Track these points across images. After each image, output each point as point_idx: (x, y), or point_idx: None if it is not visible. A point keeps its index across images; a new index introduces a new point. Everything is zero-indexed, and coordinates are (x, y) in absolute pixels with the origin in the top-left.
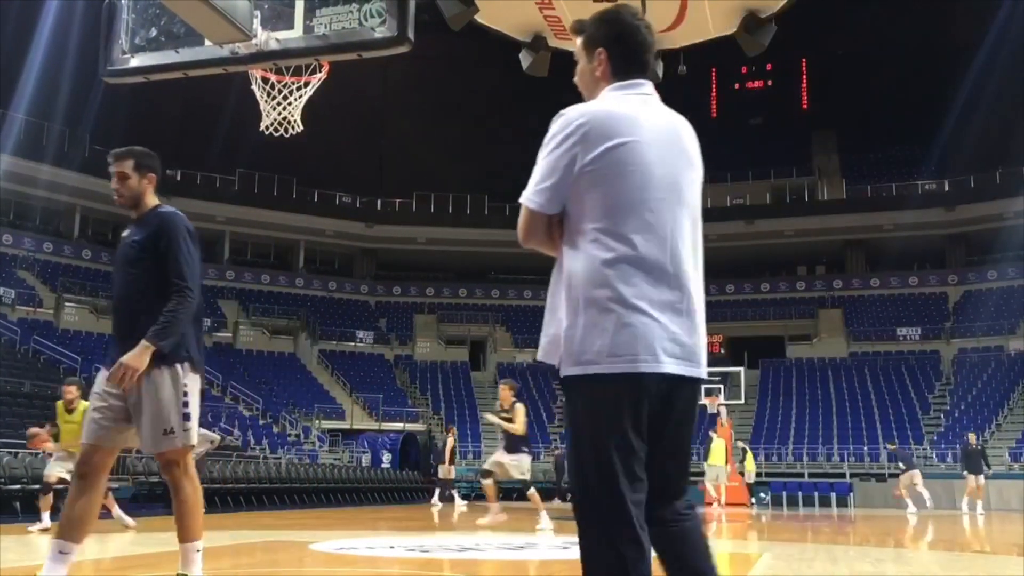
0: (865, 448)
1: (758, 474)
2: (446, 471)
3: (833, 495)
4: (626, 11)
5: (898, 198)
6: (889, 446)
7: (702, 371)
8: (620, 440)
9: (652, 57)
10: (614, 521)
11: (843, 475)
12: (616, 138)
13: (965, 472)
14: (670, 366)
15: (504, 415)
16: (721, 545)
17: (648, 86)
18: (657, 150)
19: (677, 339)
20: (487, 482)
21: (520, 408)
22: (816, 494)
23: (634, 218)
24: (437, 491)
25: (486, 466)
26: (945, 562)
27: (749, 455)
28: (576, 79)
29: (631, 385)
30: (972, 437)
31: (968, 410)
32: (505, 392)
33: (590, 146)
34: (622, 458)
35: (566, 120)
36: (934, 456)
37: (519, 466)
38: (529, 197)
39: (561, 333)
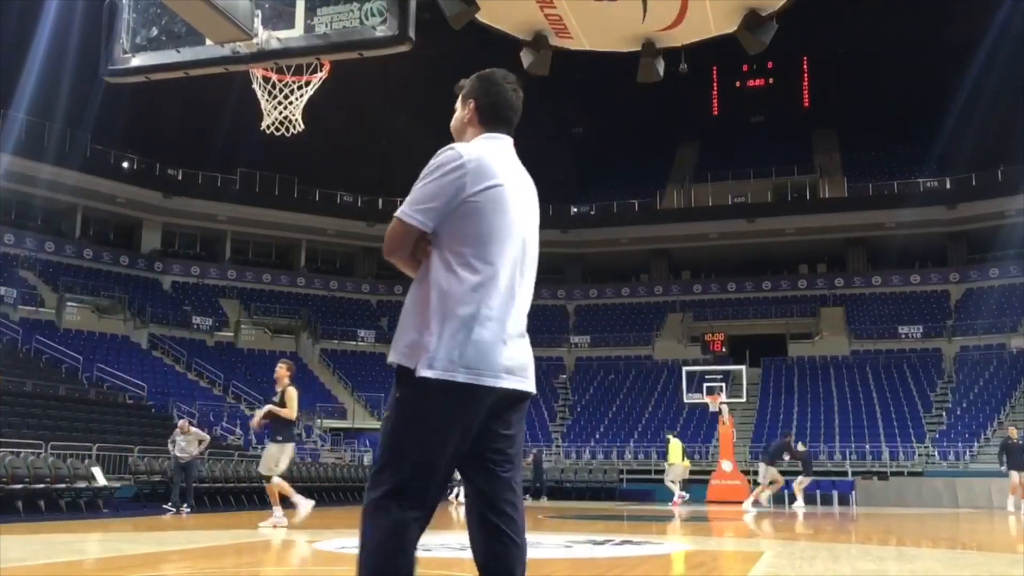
0: (867, 446)
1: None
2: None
3: (835, 493)
4: (499, 74)
5: (899, 196)
6: (801, 447)
7: (532, 385)
8: (447, 440)
9: (516, 115)
10: (392, 503)
11: (845, 473)
12: (494, 179)
13: (1006, 468)
14: (508, 382)
15: (272, 400)
16: (723, 543)
17: (508, 140)
18: (517, 195)
19: (516, 358)
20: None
21: (293, 392)
22: (818, 492)
23: (498, 249)
24: (458, 488)
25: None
26: (947, 560)
27: (676, 447)
28: (451, 123)
29: (471, 394)
30: (1014, 432)
31: (970, 408)
32: (283, 371)
33: (474, 181)
34: (443, 455)
35: (455, 154)
36: (936, 454)
37: (273, 456)
38: (409, 213)
39: (422, 340)
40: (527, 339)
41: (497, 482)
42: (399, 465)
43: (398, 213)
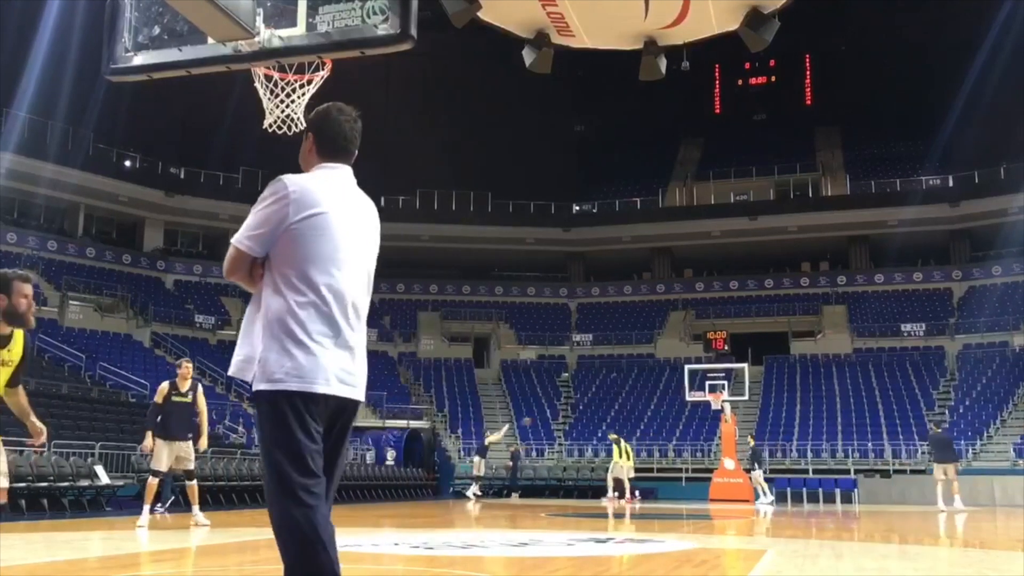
0: (869, 444)
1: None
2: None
3: (837, 491)
4: (335, 107)
5: (902, 194)
6: (751, 440)
7: (361, 395)
8: (294, 442)
9: (352, 145)
10: (289, 502)
11: (847, 471)
12: (317, 207)
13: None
14: (338, 389)
15: (179, 397)
16: (725, 542)
17: (346, 170)
18: (345, 221)
19: (345, 369)
20: (153, 481)
21: (201, 391)
22: (820, 490)
23: (323, 271)
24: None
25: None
26: (950, 558)
27: (621, 448)
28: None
29: (306, 400)
30: (935, 427)
31: (972, 406)
32: (187, 368)
33: (297, 210)
34: (296, 455)
35: (282, 185)
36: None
37: (192, 456)
38: (241, 240)
39: (256, 355)
40: (358, 352)
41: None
42: (280, 470)
43: (233, 240)
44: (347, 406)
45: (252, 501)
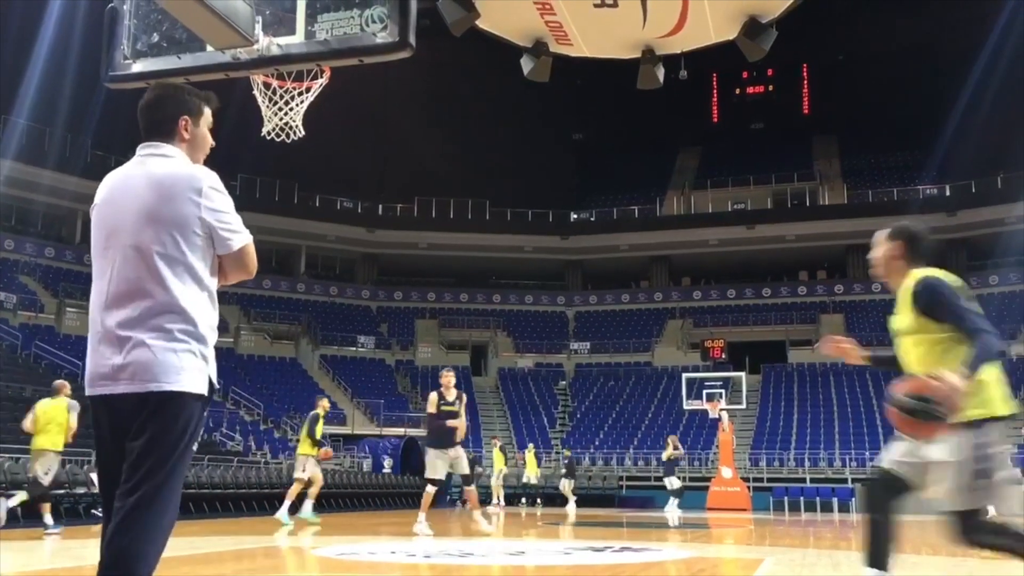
0: (867, 453)
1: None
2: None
3: (835, 500)
4: (150, 88)
5: (899, 203)
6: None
7: (122, 388)
8: (97, 447)
9: (152, 118)
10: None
11: (845, 480)
12: (95, 200)
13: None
14: (98, 388)
15: (448, 407)
16: (723, 550)
17: (150, 147)
18: (106, 207)
19: (106, 364)
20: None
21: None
22: (818, 499)
23: (95, 266)
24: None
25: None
26: (947, 567)
27: (500, 456)
28: None
29: (93, 404)
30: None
31: None
32: (449, 378)
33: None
34: (98, 462)
35: None
36: None
37: (465, 460)
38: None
39: None
40: (132, 341)
41: (120, 491)
42: None
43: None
44: (121, 403)
45: (248, 509)
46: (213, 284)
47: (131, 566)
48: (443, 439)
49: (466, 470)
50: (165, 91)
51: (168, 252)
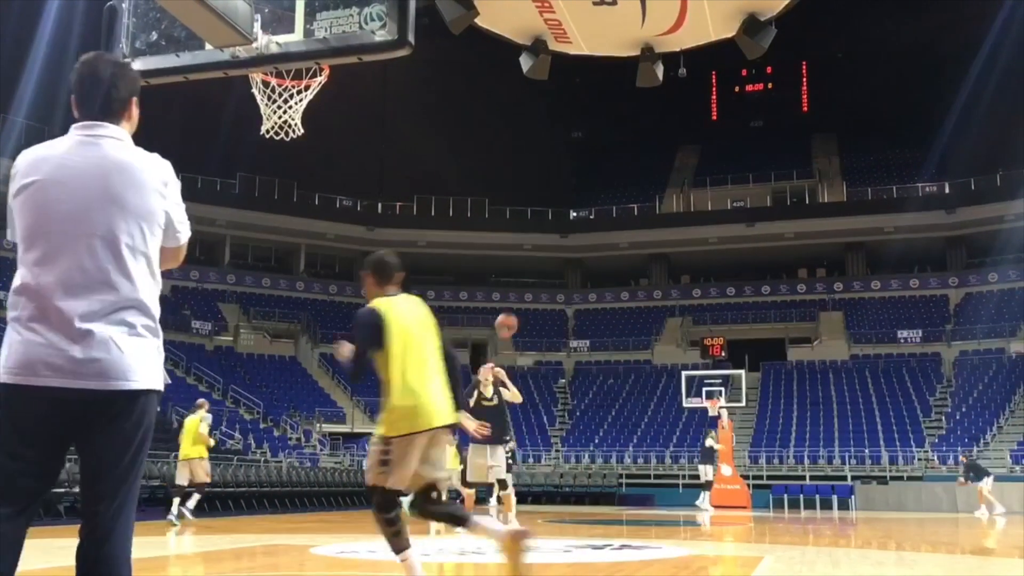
0: (866, 451)
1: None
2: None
3: (834, 498)
4: (82, 60)
5: (898, 200)
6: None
7: (97, 384)
8: (4, 443)
9: (109, 97)
10: None
11: (844, 478)
12: (30, 177)
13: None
14: (53, 380)
15: (487, 402)
16: (723, 548)
17: (99, 127)
18: (56, 187)
19: (63, 356)
20: None
21: (504, 393)
22: (817, 497)
23: (36, 249)
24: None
25: None
26: (947, 564)
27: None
28: None
29: (17, 396)
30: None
31: (969, 413)
32: (485, 372)
33: (15, 183)
34: (3, 455)
35: (16, 161)
36: (935, 459)
37: (501, 463)
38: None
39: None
40: (95, 335)
41: (85, 494)
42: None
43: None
44: (85, 399)
45: (248, 507)
46: (160, 277)
47: (122, 571)
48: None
49: (500, 475)
50: (120, 68)
51: (135, 244)
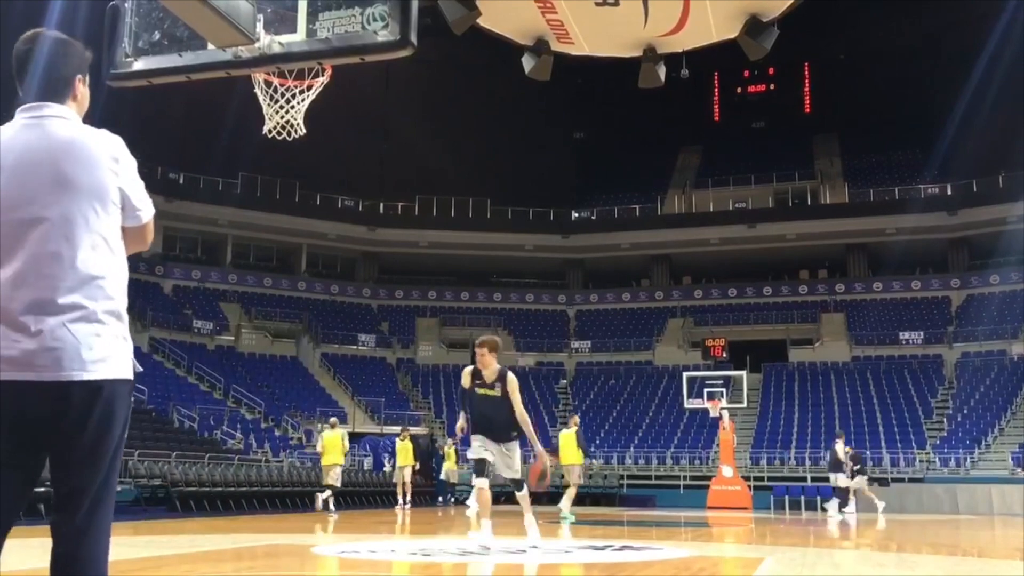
0: (867, 452)
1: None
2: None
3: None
4: (22, 38)
5: (900, 202)
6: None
7: (53, 375)
8: None
9: (51, 77)
10: None
11: None
12: None
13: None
14: (9, 373)
15: (485, 390)
16: (724, 549)
17: (43, 108)
18: (8, 174)
19: (17, 348)
20: None
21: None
22: (818, 498)
23: None
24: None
25: None
26: (947, 566)
27: (406, 449)
28: None
29: None
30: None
31: (971, 414)
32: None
33: None
34: None
35: None
36: (936, 460)
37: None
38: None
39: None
40: (51, 322)
41: (56, 491)
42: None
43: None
44: (51, 391)
45: (249, 507)
46: (124, 258)
47: (101, 571)
48: (478, 425)
49: (509, 474)
50: (62, 46)
51: (90, 225)
